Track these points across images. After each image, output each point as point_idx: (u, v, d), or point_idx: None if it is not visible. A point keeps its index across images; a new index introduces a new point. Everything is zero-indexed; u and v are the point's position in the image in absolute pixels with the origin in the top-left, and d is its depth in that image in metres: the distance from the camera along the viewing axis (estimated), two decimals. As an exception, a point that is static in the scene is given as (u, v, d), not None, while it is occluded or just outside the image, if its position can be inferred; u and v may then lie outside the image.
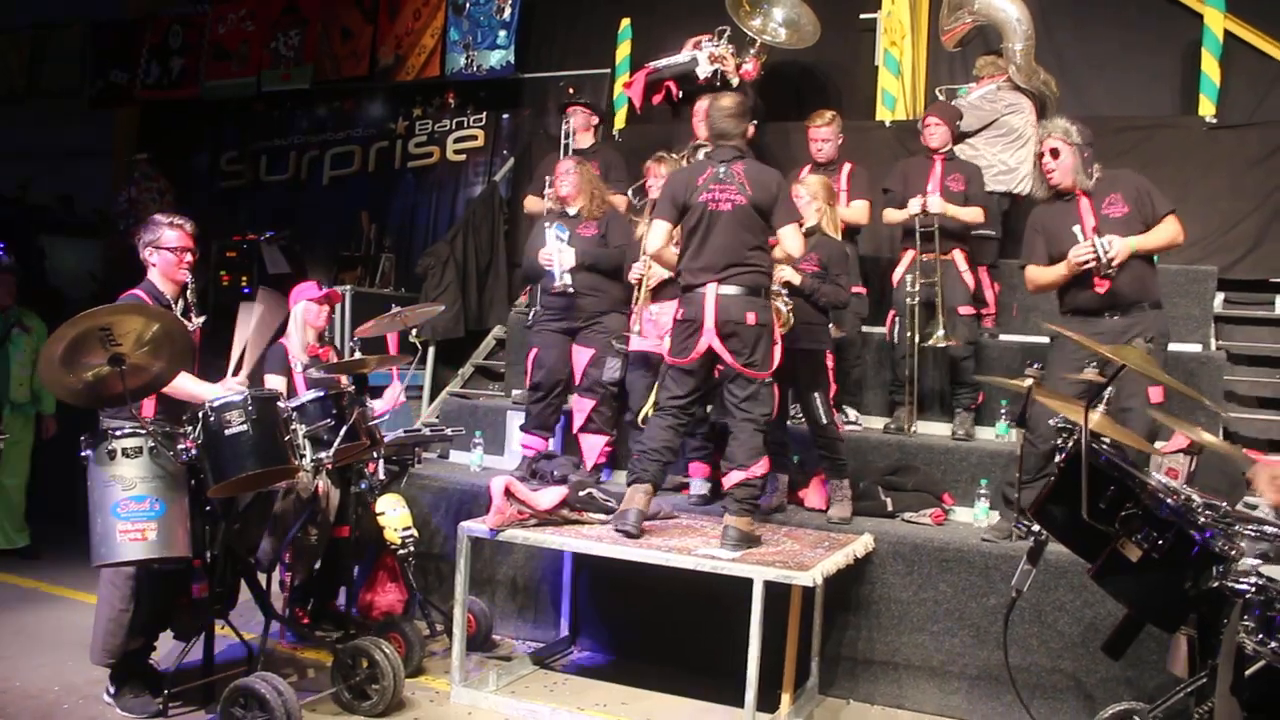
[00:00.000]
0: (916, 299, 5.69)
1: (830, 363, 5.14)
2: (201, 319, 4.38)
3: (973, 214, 5.75)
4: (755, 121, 6.48)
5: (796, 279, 4.96)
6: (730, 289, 4.44)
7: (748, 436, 4.47)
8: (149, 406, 4.10)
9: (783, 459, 5.26)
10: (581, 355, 5.62)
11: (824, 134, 6.15)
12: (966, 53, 7.08)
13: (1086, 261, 4.47)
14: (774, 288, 4.93)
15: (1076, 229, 4.57)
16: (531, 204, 6.77)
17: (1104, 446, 3.36)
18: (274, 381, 4.91)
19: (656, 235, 4.65)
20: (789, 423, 5.37)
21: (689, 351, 4.49)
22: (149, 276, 4.35)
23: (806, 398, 5.02)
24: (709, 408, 5.22)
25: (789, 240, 4.54)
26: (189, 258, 4.38)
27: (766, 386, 4.52)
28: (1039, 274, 4.76)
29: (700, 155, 5.08)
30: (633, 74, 7.11)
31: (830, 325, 5.24)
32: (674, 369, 4.60)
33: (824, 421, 5.00)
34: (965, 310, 5.74)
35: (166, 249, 4.32)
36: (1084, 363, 4.49)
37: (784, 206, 4.55)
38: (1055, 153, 4.66)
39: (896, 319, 5.84)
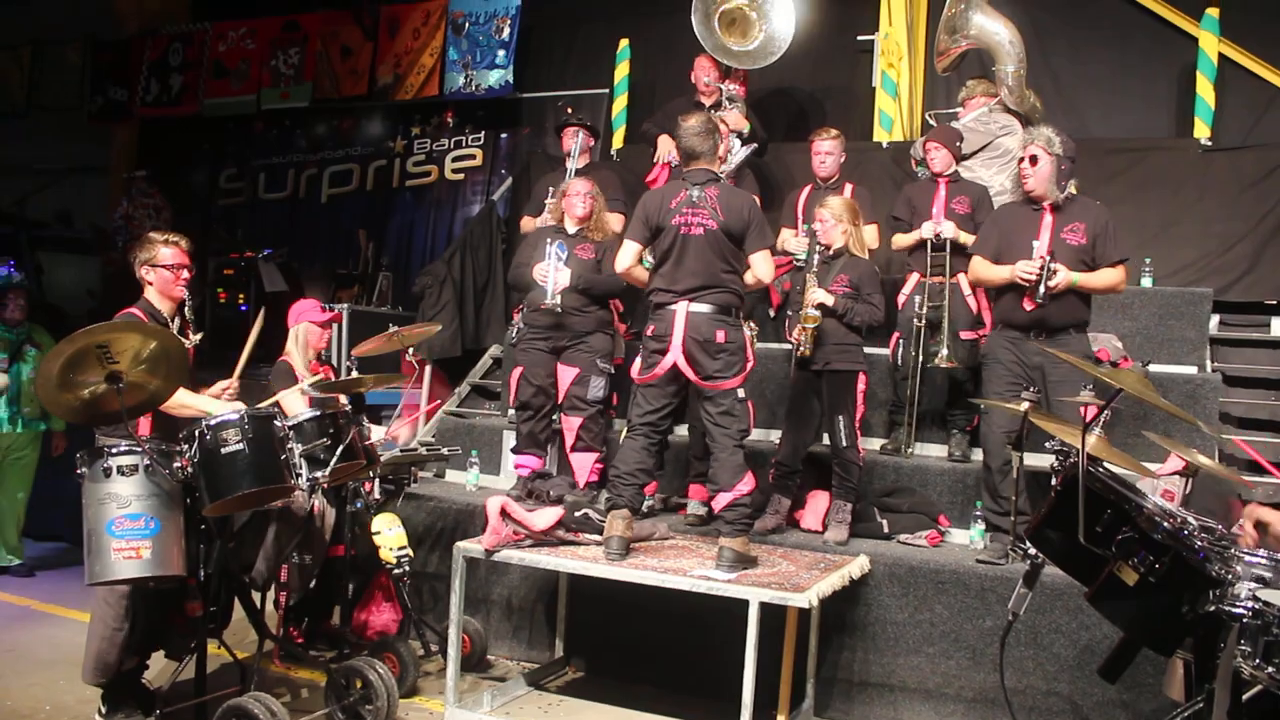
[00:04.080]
0: (923, 321, 5.70)
1: (862, 385, 5.14)
2: (198, 336, 4.38)
3: None
4: (756, 146, 6.52)
5: (830, 300, 5.00)
6: (700, 307, 4.49)
7: (728, 455, 4.48)
8: (144, 425, 4.09)
9: (788, 483, 5.26)
10: (566, 374, 5.64)
11: (828, 147, 6.18)
12: (963, 75, 7.11)
13: (1028, 279, 4.65)
14: (806, 310, 4.97)
15: (1036, 243, 4.73)
16: (528, 226, 6.78)
17: (1100, 470, 3.36)
18: (293, 399, 4.87)
19: (625, 255, 4.74)
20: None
21: (654, 368, 4.54)
22: (145, 294, 4.35)
23: (832, 418, 5.05)
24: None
25: (759, 266, 4.60)
26: (185, 274, 4.39)
27: (741, 403, 4.53)
28: (982, 268, 4.96)
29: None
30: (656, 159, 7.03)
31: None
32: (643, 386, 4.63)
33: (845, 444, 5.03)
34: (967, 335, 5.74)
35: (162, 266, 4.33)
36: (1018, 383, 4.67)
37: (756, 232, 4.58)
38: (1034, 160, 4.78)
39: (901, 340, 5.85)
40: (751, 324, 4.97)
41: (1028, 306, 4.71)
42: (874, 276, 5.22)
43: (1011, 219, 4.98)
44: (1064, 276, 4.62)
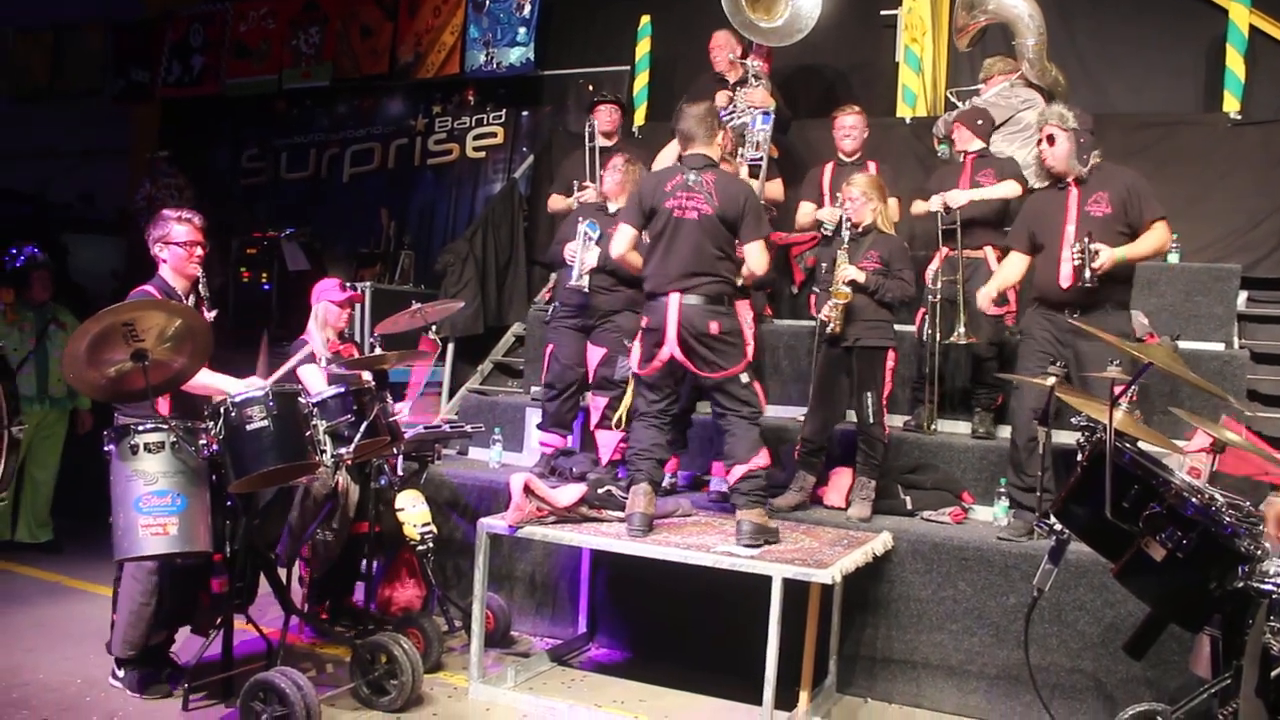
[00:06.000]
0: (939, 296, 5.67)
1: (891, 362, 5.12)
2: (213, 313, 4.38)
3: (1007, 188, 5.70)
4: (775, 119, 6.46)
5: (861, 276, 4.98)
6: (693, 299, 4.45)
7: (743, 432, 4.48)
8: (163, 405, 4.11)
9: (814, 460, 5.24)
10: (594, 354, 5.64)
11: (851, 122, 6.15)
12: (985, 49, 7.05)
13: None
14: (837, 287, 4.94)
15: (1070, 229, 4.64)
16: (556, 203, 6.77)
17: (1127, 445, 3.33)
18: (311, 373, 4.89)
19: (620, 240, 4.70)
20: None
21: (653, 361, 4.52)
22: (160, 272, 4.37)
23: (860, 395, 5.04)
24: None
25: (753, 257, 4.55)
26: (199, 252, 4.39)
27: (746, 387, 4.52)
28: (1009, 264, 5.05)
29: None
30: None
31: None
32: (644, 378, 4.63)
33: (871, 421, 5.01)
34: (992, 310, 5.70)
35: (176, 244, 4.33)
36: (1051, 356, 4.64)
37: (751, 221, 4.53)
38: (1051, 139, 4.73)
39: (925, 316, 5.83)
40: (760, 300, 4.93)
41: (1065, 285, 4.61)
42: (904, 252, 5.19)
43: (1039, 205, 4.92)
44: (1107, 256, 4.49)
